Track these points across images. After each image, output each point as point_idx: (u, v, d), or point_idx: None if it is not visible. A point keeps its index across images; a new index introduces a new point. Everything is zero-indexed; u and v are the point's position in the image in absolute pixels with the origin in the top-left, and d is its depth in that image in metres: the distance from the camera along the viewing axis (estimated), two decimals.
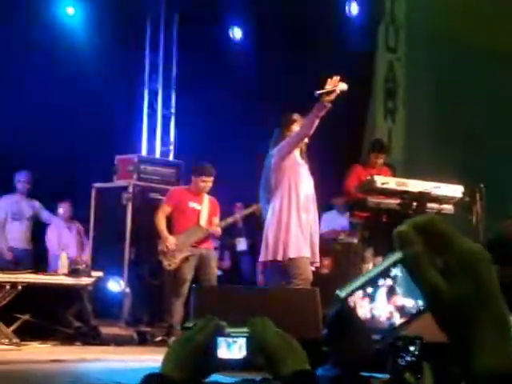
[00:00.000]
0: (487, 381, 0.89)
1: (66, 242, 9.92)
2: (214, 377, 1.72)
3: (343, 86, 6.10)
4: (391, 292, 0.91)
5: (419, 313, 0.91)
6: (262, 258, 6.65)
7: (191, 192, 8.45)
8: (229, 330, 1.68)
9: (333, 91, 6.05)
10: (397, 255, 0.92)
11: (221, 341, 1.67)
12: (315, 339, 5.01)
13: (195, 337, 1.67)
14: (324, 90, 6.07)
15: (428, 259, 0.91)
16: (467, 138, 12.14)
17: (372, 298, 0.92)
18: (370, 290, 0.92)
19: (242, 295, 5.79)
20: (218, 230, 8.49)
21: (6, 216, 9.80)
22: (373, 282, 0.92)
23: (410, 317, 0.92)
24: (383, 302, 0.92)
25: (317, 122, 6.24)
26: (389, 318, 0.92)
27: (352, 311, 0.95)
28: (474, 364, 0.90)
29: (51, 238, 10.00)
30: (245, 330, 1.69)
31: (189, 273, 8.18)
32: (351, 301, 0.93)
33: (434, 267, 0.91)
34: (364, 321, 0.95)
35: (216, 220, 8.48)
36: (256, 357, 1.68)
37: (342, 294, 0.94)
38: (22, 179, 9.81)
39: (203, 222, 8.37)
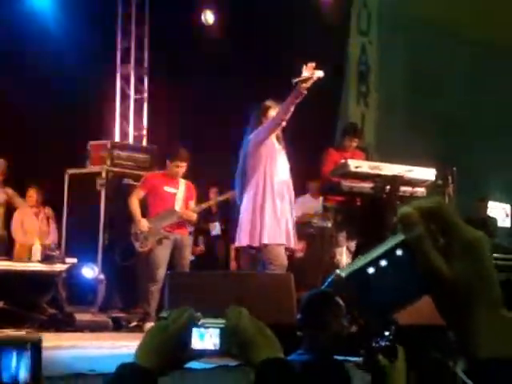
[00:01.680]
0: (487, 364, 0.92)
1: (29, 228, 9.85)
2: (189, 364, 1.73)
3: (319, 73, 6.13)
4: None
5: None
6: (236, 244, 6.68)
7: (166, 176, 8.43)
8: (203, 320, 1.69)
9: (309, 78, 6.08)
10: (399, 236, 0.93)
11: (195, 331, 1.68)
12: (289, 324, 5.03)
13: (169, 327, 1.68)
14: (301, 78, 6.09)
15: (430, 241, 0.93)
16: (440, 121, 12.22)
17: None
18: (371, 270, 0.93)
19: (217, 281, 5.80)
20: (193, 215, 8.48)
21: None
22: (374, 263, 0.93)
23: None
24: None
25: (292, 108, 6.29)
26: None
27: (328, 294, 0.96)
28: (474, 347, 0.93)
29: (13, 224, 9.96)
30: (219, 320, 1.71)
31: (163, 257, 8.14)
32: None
33: (436, 249, 0.93)
34: (339, 305, 0.96)
35: (192, 204, 8.47)
36: (230, 347, 1.69)
37: (343, 273, 0.94)
38: None
39: (178, 206, 8.35)
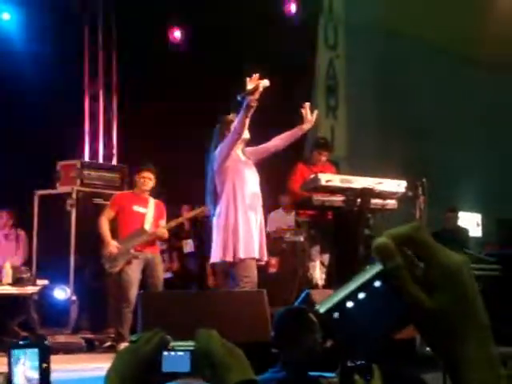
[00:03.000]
0: None
1: (2, 251, 9.75)
2: None
3: (265, 83, 6.13)
4: None
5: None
6: (211, 259, 6.65)
7: (135, 195, 8.38)
8: (173, 343, 1.68)
9: (255, 89, 6.08)
10: (376, 267, 0.90)
11: (165, 355, 1.66)
12: (264, 341, 5.02)
13: (139, 351, 1.67)
14: (246, 92, 6.10)
15: (408, 272, 0.90)
16: (409, 132, 12.30)
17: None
18: (349, 304, 0.90)
19: (189, 300, 5.78)
20: (164, 233, 8.44)
21: None
22: (353, 296, 0.90)
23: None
24: None
25: (247, 121, 6.31)
26: None
27: (302, 310, 0.94)
28: (462, 377, 0.90)
29: None
30: (189, 343, 1.69)
31: (134, 277, 8.08)
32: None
33: (415, 278, 0.90)
34: (313, 321, 0.94)
35: (162, 223, 8.42)
36: (201, 370, 1.68)
37: (322, 309, 0.91)
38: None
39: (148, 225, 8.31)
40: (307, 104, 6.97)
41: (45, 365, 1.56)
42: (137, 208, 8.32)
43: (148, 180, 8.29)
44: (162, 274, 8.55)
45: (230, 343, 1.73)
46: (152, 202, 8.41)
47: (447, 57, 12.64)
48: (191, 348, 1.68)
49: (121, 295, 8.09)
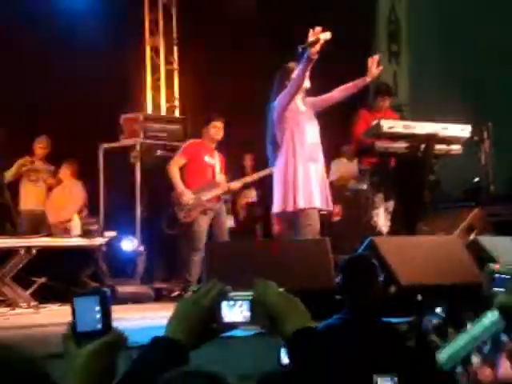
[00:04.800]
0: None
1: (62, 204, 9.91)
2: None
3: (326, 35, 6.05)
4: None
5: None
6: (273, 209, 6.68)
7: (205, 145, 8.41)
8: (232, 293, 1.70)
9: (316, 42, 6.01)
10: (494, 319, 0.87)
11: (225, 304, 1.69)
12: (328, 288, 5.05)
13: (200, 301, 1.70)
14: (307, 44, 6.04)
15: None
16: (473, 78, 12.05)
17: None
18: (475, 359, 0.88)
19: (254, 249, 5.82)
20: (236, 188, 8.53)
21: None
22: (478, 349, 0.88)
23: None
24: None
25: (307, 73, 6.27)
26: None
27: (367, 256, 0.94)
28: None
29: (47, 202, 10.08)
30: (248, 293, 1.71)
31: (204, 227, 8.16)
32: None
33: None
34: (376, 266, 0.94)
35: (224, 177, 8.47)
36: (259, 319, 1.70)
37: (446, 365, 0.89)
38: (39, 145, 9.92)
39: (218, 177, 8.37)
40: (376, 57, 6.88)
41: (105, 310, 1.60)
42: (207, 159, 8.36)
43: (220, 130, 8.33)
44: (227, 223, 8.64)
45: (287, 293, 1.75)
46: (217, 153, 8.46)
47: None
48: (250, 298, 1.71)
49: (191, 244, 8.18)
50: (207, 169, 8.35)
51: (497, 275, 2.22)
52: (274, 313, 1.69)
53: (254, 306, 1.70)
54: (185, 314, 1.71)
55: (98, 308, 1.61)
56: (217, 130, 8.32)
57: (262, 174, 8.58)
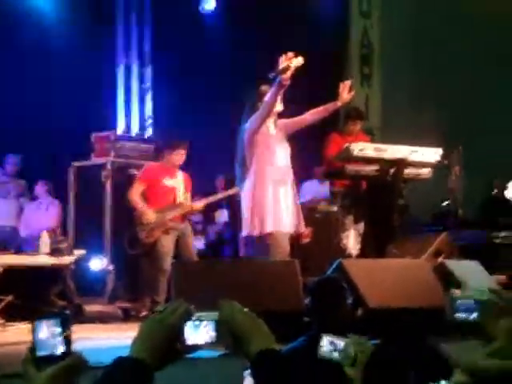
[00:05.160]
0: None
1: (34, 220, 9.86)
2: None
3: (299, 61, 6.07)
4: None
5: None
6: (242, 233, 6.67)
7: (165, 168, 8.38)
8: (198, 313, 1.71)
9: (288, 68, 6.03)
10: None
11: (190, 325, 1.69)
12: (297, 310, 5.05)
13: (165, 321, 1.70)
14: (278, 70, 6.06)
15: None
16: (444, 100, 12.16)
17: None
18: None
19: (222, 269, 5.81)
20: (200, 207, 8.49)
21: None
22: None
23: None
24: None
25: (278, 98, 6.31)
26: None
27: (335, 278, 0.95)
28: None
29: (22, 218, 10.05)
30: (213, 313, 1.72)
31: (169, 247, 8.13)
32: None
33: None
34: (345, 288, 0.95)
35: (189, 197, 8.45)
36: (224, 340, 1.71)
37: None
38: (10, 162, 9.95)
39: (182, 198, 8.35)
40: (347, 82, 6.92)
41: (66, 333, 1.60)
42: (167, 181, 8.33)
43: (182, 156, 8.31)
44: (194, 244, 8.61)
45: (252, 313, 1.76)
46: (180, 174, 8.44)
47: (485, 30, 12.39)
48: (215, 318, 1.71)
49: (156, 265, 8.15)
50: (168, 192, 8.31)
51: (459, 301, 2.27)
52: (238, 332, 1.70)
53: (219, 326, 1.71)
54: (150, 333, 1.71)
55: (58, 331, 1.61)
56: (180, 156, 8.30)
57: (226, 193, 8.59)
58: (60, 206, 10.01)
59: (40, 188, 10.00)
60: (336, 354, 2.27)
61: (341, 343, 2.27)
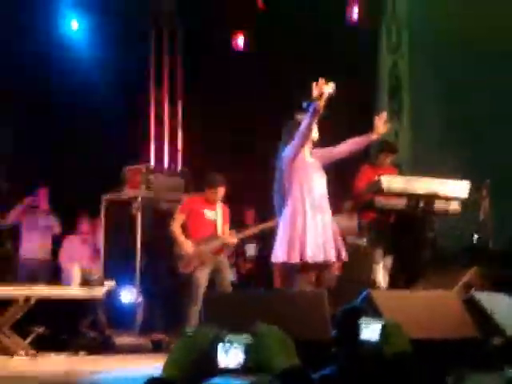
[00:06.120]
0: None
1: (78, 255, 10.02)
2: (214, 380, 1.77)
3: (330, 88, 6.10)
4: None
5: None
6: (273, 259, 6.57)
7: (205, 201, 8.46)
8: (228, 336, 1.74)
9: (321, 95, 6.06)
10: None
11: (220, 347, 1.73)
12: (324, 341, 5.06)
13: (196, 344, 1.74)
14: (311, 99, 6.09)
15: None
16: (475, 136, 12.13)
17: None
18: None
19: (251, 300, 5.83)
20: (233, 241, 8.53)
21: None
22: None
23: None
24: None
25: (313, 126, 6.32)
26: None
27: (359, 308, 0.99)
28: None
29: (62, 251, 10.19)
30: (243, 336, 1.75)
31: (203, 278, 8.19)
32: None
33: None
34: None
35: (227, 228, 8.50)
36: (253, 363, 1.74)
37: None
38: (41, 194, 10.12)
39: (220, 231, 8.41)
40: (384, 114, 6.91)
41: None
42: (208, 213, 8.39)
43: (220, 194, 8.37)
44: (229, 276, 8.64)
45: (284, 334, 1.79)
46: (220, 205, 8.50)
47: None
48: (245, 341, 1.75)
49: (189, 296, 8.18)
50: (208, 223, 8.39)
51: None
52: (271, 345, 1.73)
53: (249, 349, 1.74)
54: (181, 354, 1.76)
55: None
56: (221, 193, 8.38)
57: (266, 225, 8.57)
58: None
59: (85, 223, 10.19)
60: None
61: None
